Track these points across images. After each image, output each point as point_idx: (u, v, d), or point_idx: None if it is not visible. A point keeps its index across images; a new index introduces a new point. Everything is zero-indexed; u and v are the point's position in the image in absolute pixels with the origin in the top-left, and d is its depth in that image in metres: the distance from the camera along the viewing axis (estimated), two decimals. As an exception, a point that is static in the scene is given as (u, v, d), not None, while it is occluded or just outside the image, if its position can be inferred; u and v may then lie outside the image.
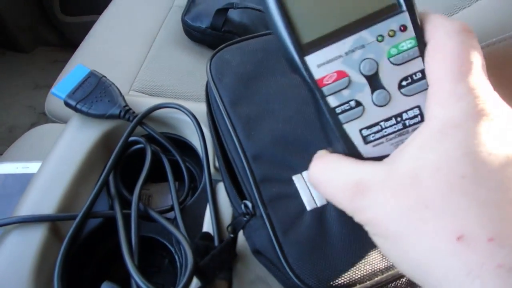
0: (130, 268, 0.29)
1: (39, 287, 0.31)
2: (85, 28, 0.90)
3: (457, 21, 0.19)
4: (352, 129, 0.22)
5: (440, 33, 0.19)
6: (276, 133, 0.33)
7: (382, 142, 0.22)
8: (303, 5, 0.21)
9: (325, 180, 0.21)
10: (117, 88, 0.43)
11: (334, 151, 0.23)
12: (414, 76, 0.21)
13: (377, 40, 0.21)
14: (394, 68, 0.21)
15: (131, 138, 0.40)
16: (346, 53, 0.21)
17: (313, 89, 0.22)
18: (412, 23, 0.21)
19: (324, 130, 0.23)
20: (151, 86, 0.73)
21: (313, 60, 0.21)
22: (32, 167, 0.52)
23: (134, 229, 0.33)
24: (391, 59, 0.21)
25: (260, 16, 0.77)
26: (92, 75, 0.43)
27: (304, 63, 0.21)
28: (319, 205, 0.30)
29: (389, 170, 0.18)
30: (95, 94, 0.41)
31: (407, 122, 0.21)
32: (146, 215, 0.37)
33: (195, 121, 0.40)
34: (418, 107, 0.21)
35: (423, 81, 0.21)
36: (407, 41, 0.21)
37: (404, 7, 0.21)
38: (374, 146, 0.22)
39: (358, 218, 0.19)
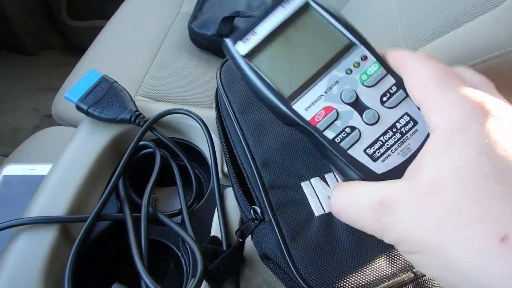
0: (141, 270, 0.30)
1: (49, 287, 0.31)
2: (91, 33, 0.91)
3: (420, 52, 0.22)
4: (357, 152, 0.24)
5: (411, 63, 0.21)
6: (284, 140, 0.34)
7: (389, 155, 0.23)
8: (275, 70, 0.26)
9: (348, 205, 0.21)
10: (128, 93, 0.44)
11: (349, 180, 0.24)
12: (390, 90, 0.24)
13: (347, 73, 0.25)
14: (370, 89, 0.24)
15: (141, 143, 0.41)
16: (326, 92, 0.25)
17: (310, 131, 0.24)
18: (370, 51, 0.25)
19: (334, 165, 0.25)
20: (156, 91, 0.74)
21: (299, 106, 0.25)
22: (38, 169, 0.53)
23: (144, 231, 0.34)
24: (365, 83, 0.24)
25: (266, 25, 0.79)
26: (104, 80, 0.43)
27: (293, 111, 0.25)
28: (326, 211, 0.30)
29: (410, 184, 0.18)
30: (107, 98, 0.42)
31: (403, 130, 0.23)
32: (152, 219, 0.37)
33: (204, 127, 0.40)
34: (406, 113, 0.24)
35: (400, 91, 0.24)
36: (372, 65, 0.24)
37: (358, 43, 0.25)
38: (383, 161, 0.23)
39: (388, 237, 0.19)
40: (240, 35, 0.27)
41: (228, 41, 0.27)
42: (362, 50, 0.25)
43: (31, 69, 1.20)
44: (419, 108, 0.22)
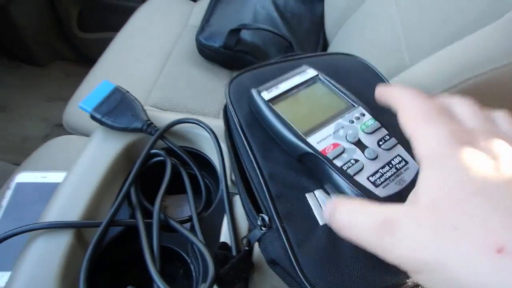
0: (154, 274, 0.31)
1: (65, 290, 0.32)
2: (100, 44, 0.94)
3: (411, 88, 0.25)
4: (362, 178, 0.29)
5: (403, 99, 0.25)
6: (290, 157, 0.35)
7: (388, 183, 0.29)
8: (292, 114, 0.33)
9: (351, 223, 0.22)
10: (140, 103, 0.45)
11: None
12: (385, 138, 0.31)
13: (350, 122, 0.32)
14: (369, 136, 0.31)
15: (152, 151, 0.42)
16: (334, 133, 0.32)
17: (321, 159, 0.30)
18: (366, 110, 0.33)
19: (339, 191, 0.29)
20: (164, 102, 0.75)
21: (313, 139, 0.31)
22: (50, 176, 0.54)
23: (156, 236, 0.35)
24: (364, 131, 0.32)
25: (271, 37, 0.81)
26: (117, 90, 0.45)
27: (307, 143, 0.31)
28: (330, 221, 0.31)
29: (411, 207, 0.20)
30: (119, 108, 0.43)
31: (397, 166, 0.30)
32: (162, 225, 0.38)
33: (213, 136, 0.42)
34: (399, 155, 0.30)
35: (392, 138, 0.31)
36: (369, 120, 0.32)
37: (356, 105, 0.33)
38: (383, 187, 0.28)
39: (390, 257, 0.19)
40: (265, 88, 0.35)
41: (254, 91, 0.35)
42: (361, 109, 0.33)
43: (41, 79, 1.23)
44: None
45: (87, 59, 1.24)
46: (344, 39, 0.79)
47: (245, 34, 0.80)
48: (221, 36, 0.80)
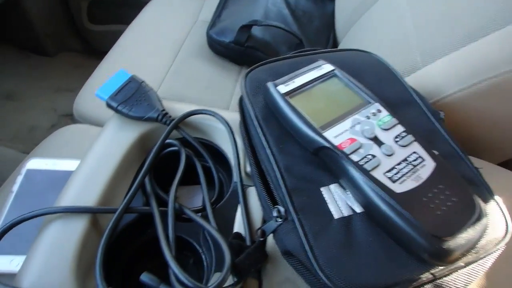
0: (169, 259, 0.31)
1: (80, 273, 0.32)
2: (109, 37, 0.94)
3: None
4: (378, 174, 0.30)
5: None
6: (306, 151, 0.35)
7: (404, 180, 0.29)
8: (308, 107, 0.33)
9: None
10: (156, 93, 0.45)
11: (366, 198, 0.31)
12: (401, 134, 0.31)
13: (367, 118, 0.33)
14: (385, 131, 0.32)
15: (167, 141, 0.42)
16: (350, 127, 0.32)
17: (338, 153, 0.31)
18: (383, 107, 0.33)
19: (355, 186, 0.31)
20: (174, 95, 0.76)
21: (329, 134, 0.32)
22: (60, 164, 0.55)
23: (171, 224, 0.35)
24: (381, 127, 0.32)
25: (282, 34, 0.81)
26: (133, 79, 0.45)
27: (324, 137, 0.31)
28: (345, 214, 0.32)
29: None
30: (135, 97, 0.44)
31: (413, 163, 0.30)
32: (175, 215, 0.39)
33: (228, 128, 0.42)
34: (415, 152, 0.31)
35: (409, 135, 0.31)
36: (386, 116, 0.33)
37: (373, 101, 0.34)
38: (400, 183, 0.29)
39: None
40: (281, 81, 0.35)
41: (270, 84, 0.35)
42: (377, 105, 0.33)
43: (50, 70, 1.23)
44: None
45: (95, 51, 1.24)
46: (354, 39, 0.79)
47: (256, 31, 0.80)
48: (232, 32, 0.80)
